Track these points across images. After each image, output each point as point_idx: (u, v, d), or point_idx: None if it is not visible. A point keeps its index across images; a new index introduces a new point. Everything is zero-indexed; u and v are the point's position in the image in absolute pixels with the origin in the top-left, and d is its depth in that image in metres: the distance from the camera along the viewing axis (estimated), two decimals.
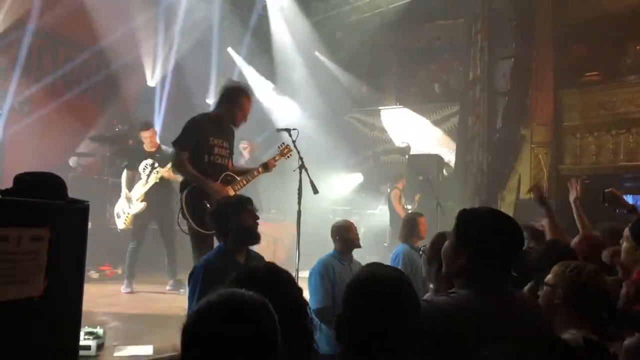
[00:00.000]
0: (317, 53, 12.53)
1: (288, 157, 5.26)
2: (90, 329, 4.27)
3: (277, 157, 5.15)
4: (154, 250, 7.40)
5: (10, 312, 1.82)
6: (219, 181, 4.61)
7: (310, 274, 4.64)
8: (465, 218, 2.10)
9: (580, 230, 4.07)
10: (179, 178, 5.07)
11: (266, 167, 4.99)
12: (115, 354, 4.25)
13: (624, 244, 3.00)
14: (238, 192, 4.70)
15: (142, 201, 6.98)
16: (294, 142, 5.25)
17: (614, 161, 10.48)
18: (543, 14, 11.14)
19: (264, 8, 11.66)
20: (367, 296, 1.72)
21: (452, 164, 11.76)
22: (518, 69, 11.14)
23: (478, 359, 1.85)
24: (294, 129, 5.28)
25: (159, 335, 4.73)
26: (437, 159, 11.13)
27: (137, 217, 7.03)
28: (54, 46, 8.86)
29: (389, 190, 10.33)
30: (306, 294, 4.23)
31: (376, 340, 1.67)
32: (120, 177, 7.81)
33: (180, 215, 4.59)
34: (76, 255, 2.11)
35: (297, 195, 5.29)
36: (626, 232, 3.00)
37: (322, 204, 9.42)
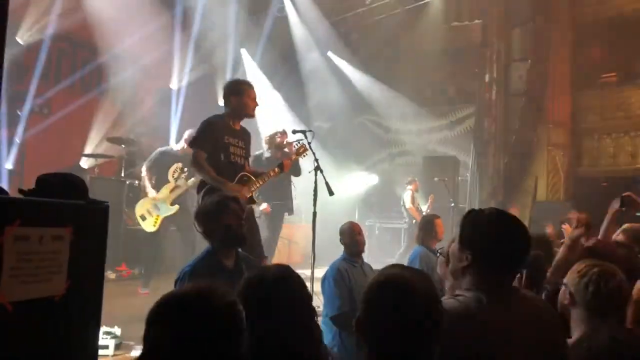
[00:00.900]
0: (331, 54, 12.55)
1: (304, 156, 5.26)
2: (108, 329, 4.31)
3: (293, 157, 5.15)
4: (173, 250, 7.45)
5: (32, 311, 1.85)
6: (235, 181, 4.60)
7: (324, 279, 4.51)
8: (470, 219, 2.08)
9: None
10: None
11: (282, 167, 4.99)
12: (133, 354, 4.29)
13: None
14: (254, 193, 4.72)
15: (172, 204, 6.94)
16: (309, 143, 5.26)
17: (632, 163, 10.38)
18: (560, 15, 11.08)
19: (280, 10, 11.71)
20: (388, 299, 1.66)
21: (468, 165, 11.71)
22: (534, 70, 11.09)
23: None
24: (309, 131, 5.29)
25: None
26: (453, 161, 11.09)
27: (166, 220, 7.01)
28: (73, 49, 8.97)
29: (403, 192, 10.33)
30: (318, 298, 4.19)
31: (396, 343, 1.63)
32: (136, 178, 7.87)
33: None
34: (96, 255, 2.14)
35: (312, 197, 5.30)
36: None
37: (337, 206, 9.42)
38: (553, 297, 2.54)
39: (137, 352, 4.32)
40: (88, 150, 8.98)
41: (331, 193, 5.20)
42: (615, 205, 4.10)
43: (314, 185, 5.27)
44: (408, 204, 9.90)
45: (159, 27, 9.46)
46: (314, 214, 5.30)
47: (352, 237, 4.68)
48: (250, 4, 11.29)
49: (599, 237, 3.91)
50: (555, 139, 11.11)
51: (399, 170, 12.92)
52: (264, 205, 7.08)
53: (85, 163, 8.90)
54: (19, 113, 7.91)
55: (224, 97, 4.85)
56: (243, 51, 11.74)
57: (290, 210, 7.42)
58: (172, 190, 6.99)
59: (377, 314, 1.67)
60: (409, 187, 10.15)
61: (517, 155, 11.27)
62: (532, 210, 10.50)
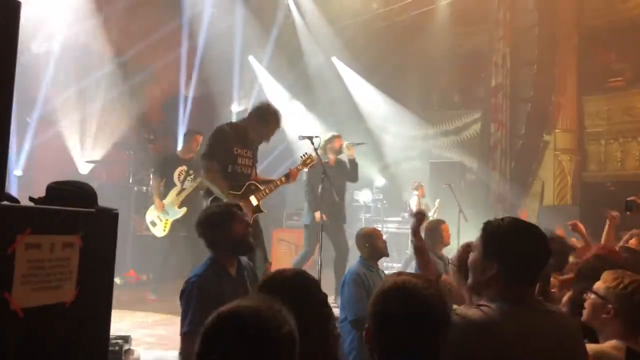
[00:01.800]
0: (335, 60, 12.57)
1: (310, 167, 5.28)
2: (116, 334, 4.34)
3: (299, 167, 5.15)
4: (181, 257, 7.48)
5: (43, 317, 1.88)
6: (243, 190, 4.64)
7: (343, 284, 4.52)
8: (493, 230, 2.06)
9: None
10: None
11: (288, 177, 5.00)
12: (141, 359, 4.32)
13: None
14: (261, 202, 4.75)
15: (180, 207, 6.99)
16: (315, 149, 5.28)
17: (639, 167, 10.35)
18: (566, 19, 11.06)
19: (286, 17, 11.77)
20: (395, 308, 1.66)
21: (475, 171, 11.70)
22: (541, 75, 11.09)
23: None
24: (316, 137, 5.31)
25: None
26: (459, 166, 11.09)
27: (175, 224, 7.03)
28: (81, 56, 9.04)
29: (409, 197, 10.33)
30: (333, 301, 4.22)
31: (405, 353, 1.64)
32: (144, 184, 7.91)
33: None
34: (106, 262, 2.17)
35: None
36: None
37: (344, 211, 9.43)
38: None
39: (145, 357, 4.35)
40: (96, 156, 9.04)
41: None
42: (614, 213, 4.11)
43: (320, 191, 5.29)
44: (414, 210, 9.89)
45: (167, 34, 9.52)
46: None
47: (377, 240, 4.68)
48: (257, 11, 11.35)
49: (602, 242, 3.92)
50: (562, 144, 11.09)
51: (405, 175, 12.91)
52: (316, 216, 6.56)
53: (93, 169, 8.96)
54: (28, 120, 7.98)
55: (253, 111, 4.88)
56: (251, 58, 11.79)
57: (344, 219, 7.08)
58: (178, 194, 7.04)
59: (382, 325, 1.69)
60: (415, 192, 10.14)
61: (523, 160, 11.26)
62: (538, 215, 10.48)
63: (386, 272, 5.02)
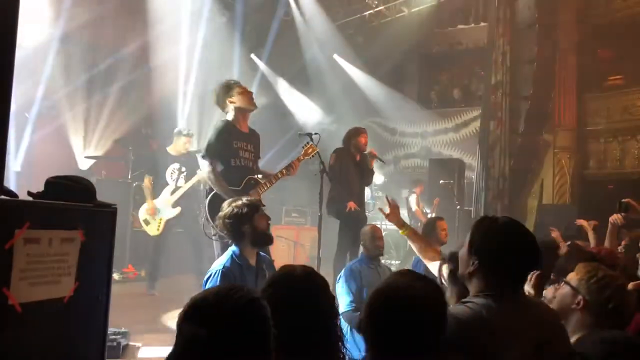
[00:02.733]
0: (336, 57, 12.56)
1: (312, 156, 5.25)
2: (115, 330, 4.34)
3: (300, 157, 5.10)
4: (178, 252, 7.48)
5: (42, 312, 1.88)
6: (242, 186, 4.64)
7: (338, 279, 4.74)
8: (482, 227, 2.09)
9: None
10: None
11: (290, 168, 4.99)
12: (140, 355, 4.32)
13: None
14: (262, 195, 4.74)
15: (174, 206, 6.94)
16: (315, 146, 5.26)
17: (638, 166, 10.35)
18: (566, 17, 11.04)
19: (286, 13, 11.74)
20: (390, 307, 1.72)
21: (474, 168, 11.69)
22: (541, 73, 11.07)
23: None
24: (315, 134, 5.29)
25: None
26: (458, 164, 11.09)
27: (169, 221, 7.00)
28: (80, 52, 9.02)
29: (408, 194, 10.34)
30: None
31: (399, 348, 1.68)
32: (143, 180, 7.90)
33: (204, 219, 4.62)
34: (104, 257, 2.17)
35: (318, 199, 5.31)
36: None
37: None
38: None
39: (144, 353, 4.35)
40: (95, 152, 9.03)
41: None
42: (613, 220, 4.13)
43: (319, 187, 5.27)
44: (414, 207, 9.90)
45: (166, 31, 9.50)
46: (320, 216, 5.31)
47: (373, 241, 4.85)
48: (257, 8, 11.32)
49: (605, 245, 3.95)
50: (562, 142, 11.08)
51: (405, 172, 12.92)
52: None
53: (92, 165, 8.95)
54: (26, 115, 7.96)
55: (220, 103, 4.88)
56: (252, 56, 11.77)
57: (365, 220, 6.61)
58: (172, 193, 6.98)
59: (376, 320, 1.74)
60: (415, 189, 10.15)
61: (523, 158, 11.24)
62: (537, 213, 10.48)
63: None
